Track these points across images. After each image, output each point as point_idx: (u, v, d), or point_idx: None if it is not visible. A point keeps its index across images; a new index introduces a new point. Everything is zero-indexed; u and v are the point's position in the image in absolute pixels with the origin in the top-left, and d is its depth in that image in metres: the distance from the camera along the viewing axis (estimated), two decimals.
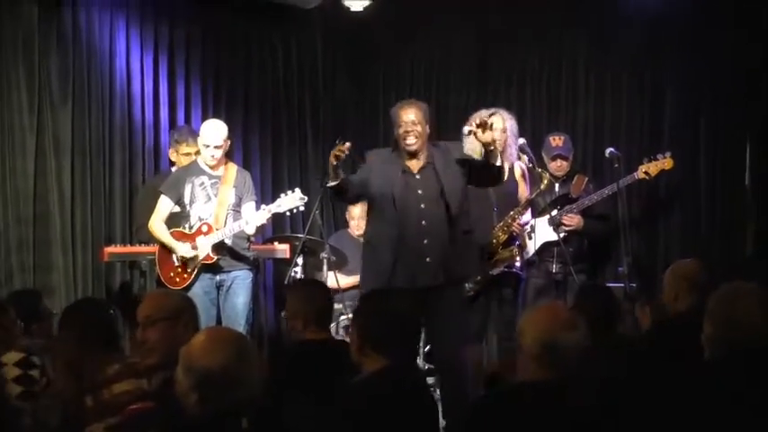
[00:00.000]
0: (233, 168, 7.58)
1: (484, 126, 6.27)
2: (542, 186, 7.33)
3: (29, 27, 8.25)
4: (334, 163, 6.26)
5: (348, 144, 6.22)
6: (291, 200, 7.40)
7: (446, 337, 6.58)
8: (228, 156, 7.65)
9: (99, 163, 8.58)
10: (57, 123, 8.37)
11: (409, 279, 6.45)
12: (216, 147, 7.42)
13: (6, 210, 8.11)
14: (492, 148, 6.37)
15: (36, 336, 5.67)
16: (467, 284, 7.12)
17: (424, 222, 6.61)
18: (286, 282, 7.94)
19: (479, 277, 7.21)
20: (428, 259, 6.59)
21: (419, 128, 6.60)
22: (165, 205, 7.50)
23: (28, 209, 8.20)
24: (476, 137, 6.32)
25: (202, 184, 7.44)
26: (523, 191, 7.40)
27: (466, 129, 6.45)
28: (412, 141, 6.60)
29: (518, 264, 7.38)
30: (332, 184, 6.39)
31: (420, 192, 6.63)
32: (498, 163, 6.50)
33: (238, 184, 7.49)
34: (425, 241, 6.61)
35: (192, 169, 7.56)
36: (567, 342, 3.56)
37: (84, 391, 4.72)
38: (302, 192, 7.45)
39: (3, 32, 8.14)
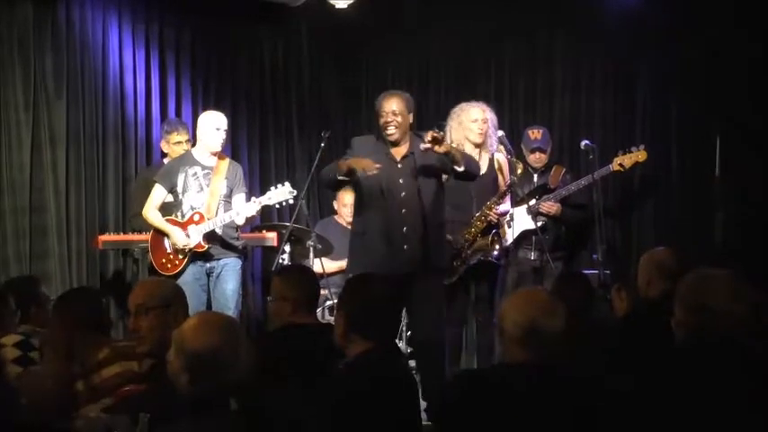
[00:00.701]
0: (225, 160, 7.57)
1: (436, 141, 6.30)
2: (517, 175, 7.31)
3: (24, 24, 8.24)
4: (345, 170, 6.47)
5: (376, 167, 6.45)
6: (281, 193, 7.42)
7: (424, 322, 6.63)
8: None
9: (93, 155, 8.59)
10: (52, 117, 8.37)
11: (390, 266, 6.46)
12: (225, 129, 7.48)
13: (3, 200, 8.12)
14: (452, 155, 6.42)
15: (34, 320, 5.65)
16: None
17: (404, 210, 6.66)
18: (273, 268, 7.96)
19: (458, 265, 7.20)
20: (405, 246, 6.65)
21: (399, 118, 6.65)
22: (158, 193, 7.47)
23: (24, 199, 8.20)
24: (433, 152, 6.34)
25: (195, 174, 7.42)
26: (503, 182, 7.38)
27: (422, 146, 6.43)
28: (392, 131, 6.66)
29: (495, 253, 7.36)
30: (341, 177, 6.59)
31: (401, 181, 6.66)
32: (462, 168, 6.54)
33: (230, 175, 7.48)
34: (404, 229, 6.66)
35: (186, 159, 7.54)
36: (547, 326, 3.56)
37: (75, 376, 4.71)
38: (289, 182, 7.46)
39: None
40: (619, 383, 4.05)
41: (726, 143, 7.94)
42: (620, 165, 7.90)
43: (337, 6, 8.89)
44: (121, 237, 8.08)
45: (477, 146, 7.39)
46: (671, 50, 8.45)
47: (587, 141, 7.77)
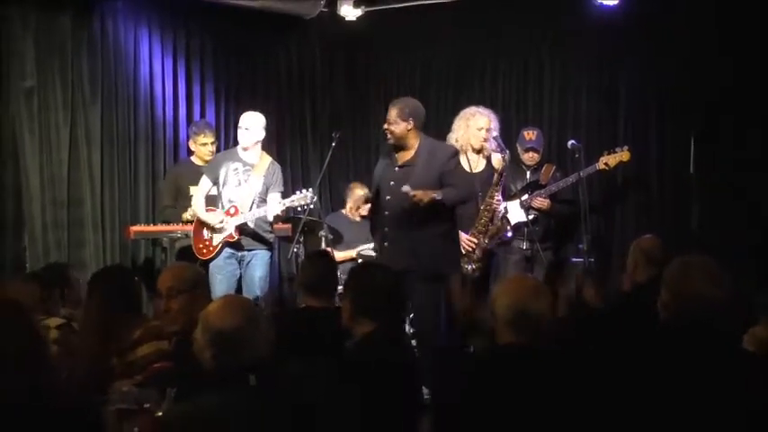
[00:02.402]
0: (266, 159, 7.61)
1: (419, 201, 6.36)
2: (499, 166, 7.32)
3: (63, 34, 8.24)
4: None
5: None
6: (303, 198, 7.45)
7: (419, 321, 6.67)
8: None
9: (125, 154, 8.60)
10: (88, 119, 8.37)
11: (381, 258, 6.72)
12: (248, 128, 7.49)
13: (44, 194, 8.10)
14: (437, 199, 6.44)
15: (68, 302, 5.64)
16: (469, 266, 7.12)
17: (386, 213, 6.70)
18: (288, 256, 7.98)
19: (477, 255, 7.18)
20: (386, 244, 6.70)
21: (393, 126, 6.68)
22: (204, 184, 7.55)
23: (63, 193, 8.20)
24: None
25: (236, 169, 7.47)
26: (497, 178, 7.34)
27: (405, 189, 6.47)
28: (388, 137, 6.74)
29: (509, 233, 7.41)
30: None
31: (391, 183, 6.69)
32: (450, 202, 6.58)
33: (268, 174, 7.52)
34: (386, 229, 6.71)
35: (231, 154, 7.63)
36: (535, 309, 3.57)
37: (111, 352, 4.70)
38: (303, 178, 7.52)
39: (40, 40, 8.10)
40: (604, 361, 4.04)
41: (699, 143, 7.93)
42: (606, 164, 7.89)
43: (347, 19, 8.92)
44: (151, 228, 8.08)
45: (477, 150, 7.41)
46: (650, 59, 8.43)
47: (574, 141, 7.78)
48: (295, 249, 8.05)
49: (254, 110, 9.18)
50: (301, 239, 8.09)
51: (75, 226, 8.26)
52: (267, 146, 9.35)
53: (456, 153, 6.87)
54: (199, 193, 7.56)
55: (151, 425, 3.49)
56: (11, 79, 7.98)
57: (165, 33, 8.88)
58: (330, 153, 7.38)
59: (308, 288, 5.17)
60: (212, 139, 8.02)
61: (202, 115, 9.02)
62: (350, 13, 8.88)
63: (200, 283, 4.49)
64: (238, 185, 7.45)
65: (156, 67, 8.81)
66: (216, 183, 7.50)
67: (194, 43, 9.09)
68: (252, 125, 7.52)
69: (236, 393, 2.95)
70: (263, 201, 7.45)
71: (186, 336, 3.29)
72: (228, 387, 2.97)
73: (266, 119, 9.16)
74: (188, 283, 4.42)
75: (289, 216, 8.57)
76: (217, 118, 8.96)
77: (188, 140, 8.27)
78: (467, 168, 7.34)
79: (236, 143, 8.62)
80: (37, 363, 2.86)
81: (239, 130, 7.55)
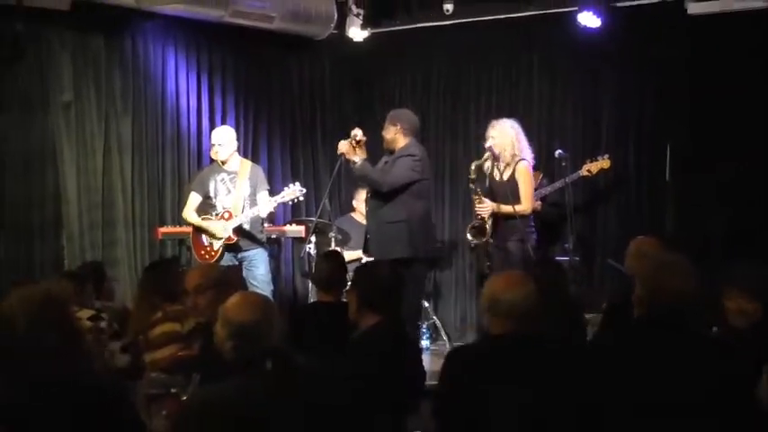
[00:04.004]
0: (247, 164, 7.65)
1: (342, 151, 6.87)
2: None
3: (97, 53, 8.27)
4: None
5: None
6: (292, 192, 7.46)
7: None
8: (245, 154, 7.71)
9: (153, 161, 8.63)
10: (120, 129, 8.40)
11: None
12: (219, 144, 7.52)
13: (80, 198, 8.12)
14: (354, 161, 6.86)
15: (101, 295, 5.68)
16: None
17: (366, 208, 7.05)
18: (301, 255, 8.00)
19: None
20: (368, 236, 6.97)
21: (384, 131, 6.95)
22: (193, 199, 7.56)
23: (97, 197, 8.23)
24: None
25: (222, 179, 7.51)
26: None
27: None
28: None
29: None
30: None
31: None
32: (358, 172, 6.89)
33: (252, 177, 7.53)
34: (366, 222, 7.10)
35: (215, 168, 7.63)
36: (507, 297, 3.56)
37: (139, 332, 4.79)
38: (314, 184, 7.52)
39: (77, 58, 8.14)
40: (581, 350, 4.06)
41: (675, 152, 7.93)
42: (588, 171, 7.91)
43: (354, 40, 8.93)
44: (177, 229, 8.11)
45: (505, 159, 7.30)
46: (629, 75, 8.43)
47: (560, 151, 7.75)
48: (307, 249, 8.10)
49: (270, 120, 9.31)
50: (313, 240, 8.12)
51: (109, 227, 8.28)
52: (282, 152, 9.45)
53: (408, 154, 6.83)
54: (189, 207, 7.55)
55: (177, 408, 3.52)
56: (50, 94, 8.00)
57: (190, 52, 8.89)
58: (339, 161, 7.39)
59: (320, 284, 5.20)
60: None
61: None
62: (357, 34, 8.88)
63: (224, 282, 4.52)
64: (228, 193, 7.46)
65: (181, 82, 8.82)
66: (207, 196, 7.49)
67: (216, 60, 9.11)
68: (224, 140, 7.55)
69: (254, 378, 2.97)
70: (254, 202, 7.45)
71: (210, 328, 3.31)
72: (247, 373, 2.99)
73: (281, 128, 9.28)
74: (214, 281, 4.47)
75: (301, 219, 8.63)
76: (237, 127, 8.96)
77: (210, 150, 8.25)
78: (496, 176, 7.31)
79: (254, 150, 8.74)
80: (74, 351, 2.89)
81: (213, 148, 7.55)
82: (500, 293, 3.60)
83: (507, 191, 7.15)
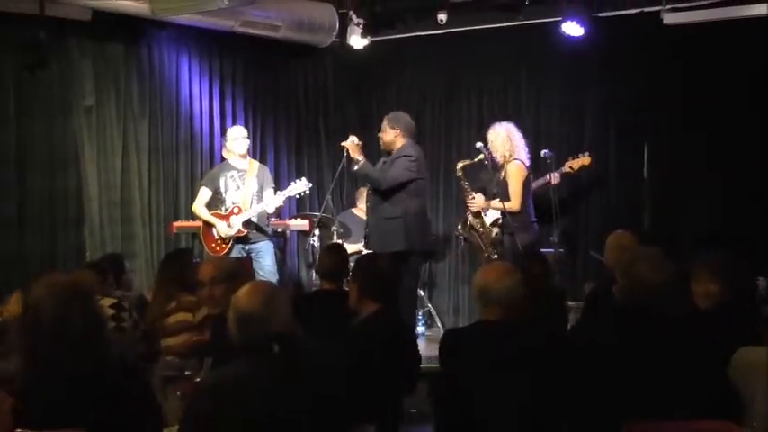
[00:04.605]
0: (254, 164, 7.68)
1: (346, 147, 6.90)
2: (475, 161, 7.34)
3: (116, 60, 8.32)
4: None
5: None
6: (299, 186, 7.52)
7: None
8: (253, 155, 7.76)
9: (169, 161, 8.66)
10: (137, 132, 8.43)
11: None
12: (246, 137, 7.63)
13: (101, 195, 8.16)
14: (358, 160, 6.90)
15: (121, 285, 5.70)
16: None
17: (366, 203, 7.06)
18: (306, 247, 8.02)
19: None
20: (366, 230, 6.98)
21: (383, 134, 6.99)
22: (204, 194, 7.58)
23: (116, 195, 8.26)
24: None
25: (232, 176, 7.52)
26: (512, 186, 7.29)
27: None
28: (380, 143, 7.02)
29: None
30: None
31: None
32: (360, 171, 6.89)
33: (259, 175, 7.56)
34: (366, 218, 7.10)
35: (224, 166, 7.65)
36: (496, 286, 3.59)
37: (155, 319, 4.81)
38: (317, 182, 7.55)
39: (98, 65, 8.18)
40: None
41: (652, 152, 7.95)
42: (570, 167, 7.91)
43: (355, 48, 8.93)
44: (190, 223, 8.10)
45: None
46: (610, 81, 8.44)
47: (546, 151, 7.78)
48: (311, 242, 8.12)
49: (277, 123, 9.33)
50: (317, 233, 8.15)
51: (127, 222, 8.30)
52: (288, 152, 9.47)
53: (405, 155, 6.85)
54: (199, 202, 7.57)
55: (191, 389, 3.54)
56: (73, 99, 8.04)
57: (202, 59, 8.91)
58: (342, 161, 7.40)
59: (324, 275, 5.22)
60: None
61: None
62: (358, 42, 8.88)
63: (237, 273, 4.52)
64: (237, 189, 7.47)
65: (194, 87, 8.84)
66: (217, 192, 7.50)
67: (227, 67, 9.12)
68: (244, 134, 7.65)
69: (261, 360, 2.98)
70: (260, 198, 7.46)
71: (224, 317, 3.33)
72: (254, 355, 3.00)
73: (287, 130, 9.30)
74: (227, 273, 4.46)
75: (306, 213, 8.65)
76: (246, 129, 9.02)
77: (221, 149, 8.29)
78: (491, 175, 7.35)
79: (262, 150, 8.76)
80: (98, 336, 2.91)
81: (239, 141, 7.55)
82: (489, 283, 3.63)
83: (499, 189, 7.19)
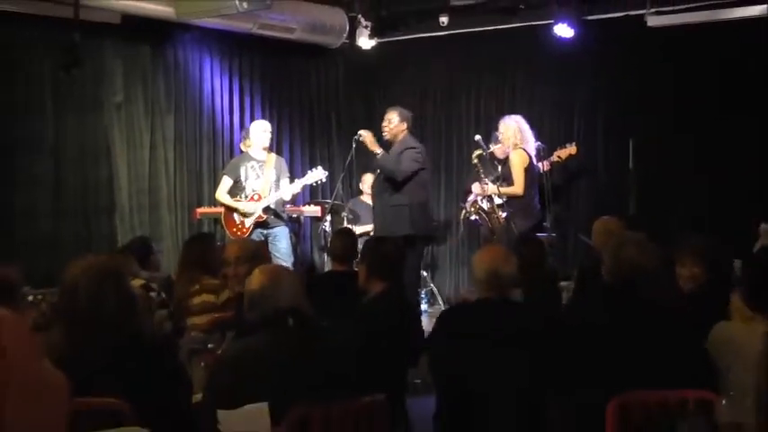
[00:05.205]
0: (272, 155, 7.65)
1: (364, 138, 6.94)
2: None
3: (144, 59, 8.33)
4: None
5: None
6: (316, 174, 7.51)
7: None
8: (270, 147, 7.69)
9: (193, 152, 8.67)
10: (164, 126, 8.45)
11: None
12: (270, 131, 7.62)
13: (131, 185, 8.18)
14: (376, 152, 6.94)
15: (149, 267, 5.70)
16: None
17: (372, 191, 7.18)
18: (318, 231, 8.06)
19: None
20: (373, 217, 7.05)
21: (391, 125, 6.94)
22: (225, 182, 7.56)
23: (144, 183, 8.28)
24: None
25: (252, 166, 7.50)
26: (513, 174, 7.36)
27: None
28: (384, 133, 7.01)
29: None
30: None
31: (378, 170, 6.97)
32: (380, 161, 6.88)
33: (276, 166, 7.54)
34: (372, 204, 7.13)
35: (244, 157, 7.64)
36: (505, 271, 3.58)
37: (181, 299, 4.81)
38: (329, 171, 7.60)
39: (126, 65, 8.19)
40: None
41: (637, 145, 7.94)
42: (558, 156, 7.90)
43: (363, 48, 8.93)
44: (213, 209, 8.10)
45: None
46: (598, 79, 8.45)
47: (539, 143, 7.76)
48: (323, 226, 8.14)
49: (291, 117, 9.34)
50: (329, 218, 8.17)
51: (154, 209, 8.32)
52: (302, 145, 9.48)
53: (410, 147, 6.89)
54: (222, 189, 7.54)
55: (213, 360, 3.56)
56: (104, 96, 8.04)
57: (223, 58, 8.91)
58: (351, 152, 7.41)
59: (335, 256, 5.22)
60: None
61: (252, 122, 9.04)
62: (366, 44, 8.89)
63: (259, 255, 4.52)
64: (257, 178, 7.47)
65: (215, 84, 8.84)
66: (237, 180, 7.48)
67: (245, 66, 9.12)
68: (269, 128, 7.63)
69: (277, 333, 2.99)
70: (277, 187, 7.45)
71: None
72: (271, 329, 3.01)
73: (301, 124, 9.30)
74: (251, 253, 4.47)
75: (318, 200, 8.66)
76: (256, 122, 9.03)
77: (240, 142, 8.31)
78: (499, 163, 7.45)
79: (278, 142, 8.76)
80: (131, 314, 2.93)
81: (265, 134, 7.54)
82: (487, 264, 3.63)
83: (506, 176, 7.31)
